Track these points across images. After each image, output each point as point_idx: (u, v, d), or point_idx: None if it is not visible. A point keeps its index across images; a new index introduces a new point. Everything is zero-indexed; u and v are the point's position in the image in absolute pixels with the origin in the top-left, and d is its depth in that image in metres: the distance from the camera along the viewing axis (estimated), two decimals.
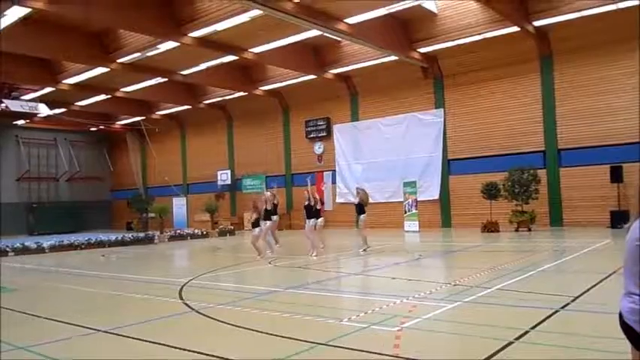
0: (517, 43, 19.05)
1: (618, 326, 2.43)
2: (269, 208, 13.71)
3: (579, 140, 18.69)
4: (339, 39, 19.90)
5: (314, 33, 18.23)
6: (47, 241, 19.00)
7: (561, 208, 19.11)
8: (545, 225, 19.07)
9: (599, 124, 18.22)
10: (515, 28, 17.85)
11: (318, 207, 13.53)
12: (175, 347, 5.03)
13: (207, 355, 4.74)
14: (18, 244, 18.20)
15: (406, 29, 19.92)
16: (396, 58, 20.66)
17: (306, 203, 13.42)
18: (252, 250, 13.25)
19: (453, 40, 19.32)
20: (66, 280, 10.99)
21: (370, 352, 4.57)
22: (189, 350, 4.91)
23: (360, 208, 13.69)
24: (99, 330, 5.91)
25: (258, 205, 13.30)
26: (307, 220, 13.47)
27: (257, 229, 13.01)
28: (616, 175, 17.16)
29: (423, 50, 20.44)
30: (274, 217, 14.17)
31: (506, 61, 19.94)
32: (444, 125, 21.98)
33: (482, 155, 20.97)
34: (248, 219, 12.97)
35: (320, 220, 13.51)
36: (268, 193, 14.66)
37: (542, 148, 19.57)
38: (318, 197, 13.83)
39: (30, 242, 18.97)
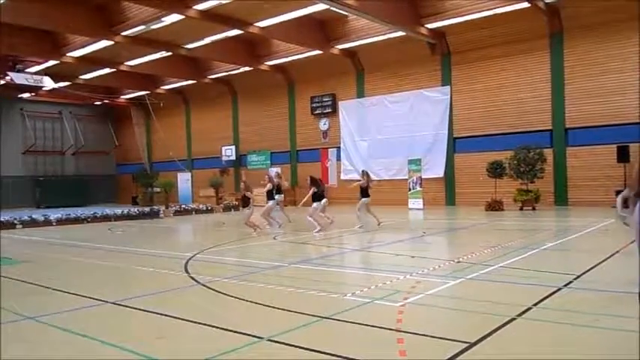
0: (527, 19, 18.71)
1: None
2: (271, 188, 14.11)
3: (587, 119, 18.51)
4: (345, 13, 19.60)
5: (320, 7, 17.94)
6: (54, 214, 19.19)
7: (566, 188, 19.06)
8: (550, 204, 19.05)
9: (608, 103, 18.02)
10: (526, 4, 17.51)
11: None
12: (182, 319, 5.12)
13: (213, 326, 4.82)
14: (26, 217, 18.42)
15: (414, 4, 19.58)
16: (404, 33, 20.37)
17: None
18: (259, 225, 13.43)
19: (462, 16, 19.00)
20: (73, 253, 11.13)
21: (373, 327, 4.64)
22: (195, 322, 5.00)
23: (363, 191, 13.88)
24: (106, 301, 6.01)
25: (250, 187, 13.61)
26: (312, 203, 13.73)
27: (247, 209, 13.26)
28: (622, 155, 17.05)
29: (430, 26, 20.12)
30: (277, 197, 14.75)
31: (516, 38, 19.63)
32: (451, 103, 21.80)
33: (488, 133, 20.83)
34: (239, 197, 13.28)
35: (324, 201, 13.86)
36: (273, 171, 14.93)
37: (550, 127, 19.40)
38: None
39: (37, 215, 19.18)
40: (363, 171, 14.94)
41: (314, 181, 13.82)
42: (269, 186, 14.04)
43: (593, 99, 18.36)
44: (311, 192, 13.59)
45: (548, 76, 19.30)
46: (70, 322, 5.22)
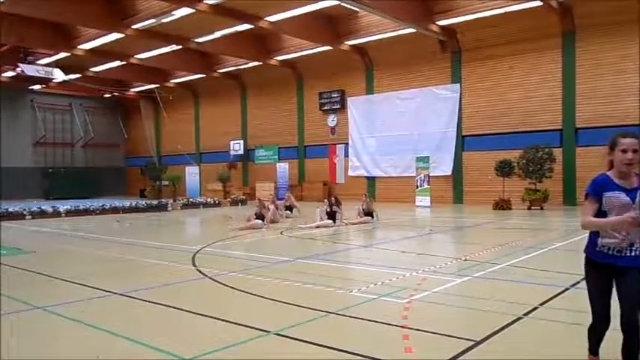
0: (539, 17, 18.57)
1: None
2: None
3: (598, 120, 18.33)
4: (356, 9, 19.53)
5: (331, 2, 17.91)
6: (63, 206, 19.35)
7: (575, 188, 18.91)
8: (559, 204, 18.93)
9: (619, 104, 17.85)
10: (538, 3, 17.37)
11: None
12: (189, 311, 5.16)
13: (220, 319, 4.86)
14: (35, 208, 18.58)
15: (425, 1, 19.49)
16: (414, 30, 20.27)
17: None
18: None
19: (473, 13, 18.88)
20: (82, 244, 11.24)
21: (379, 323, 4.65)
22: (202, 315, 5.04)
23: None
24: (114, 293, 6.06)
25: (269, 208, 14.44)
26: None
27: (259, 221, 13.52)
28: None
29: (441, 23, 20.01)
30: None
31: (527, 36, 19.47)
32: (460, 100, 21.70)
33: (497, 132, 20.72)
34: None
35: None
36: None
37: (560, 127, 19.26)
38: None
39: (47, 206, 19.35)
40: (365, 195, 15.92)
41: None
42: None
43: (604, 99, 18.19)
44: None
45: (559, 76, 19.14)
46: (79, 312, 5.27)
